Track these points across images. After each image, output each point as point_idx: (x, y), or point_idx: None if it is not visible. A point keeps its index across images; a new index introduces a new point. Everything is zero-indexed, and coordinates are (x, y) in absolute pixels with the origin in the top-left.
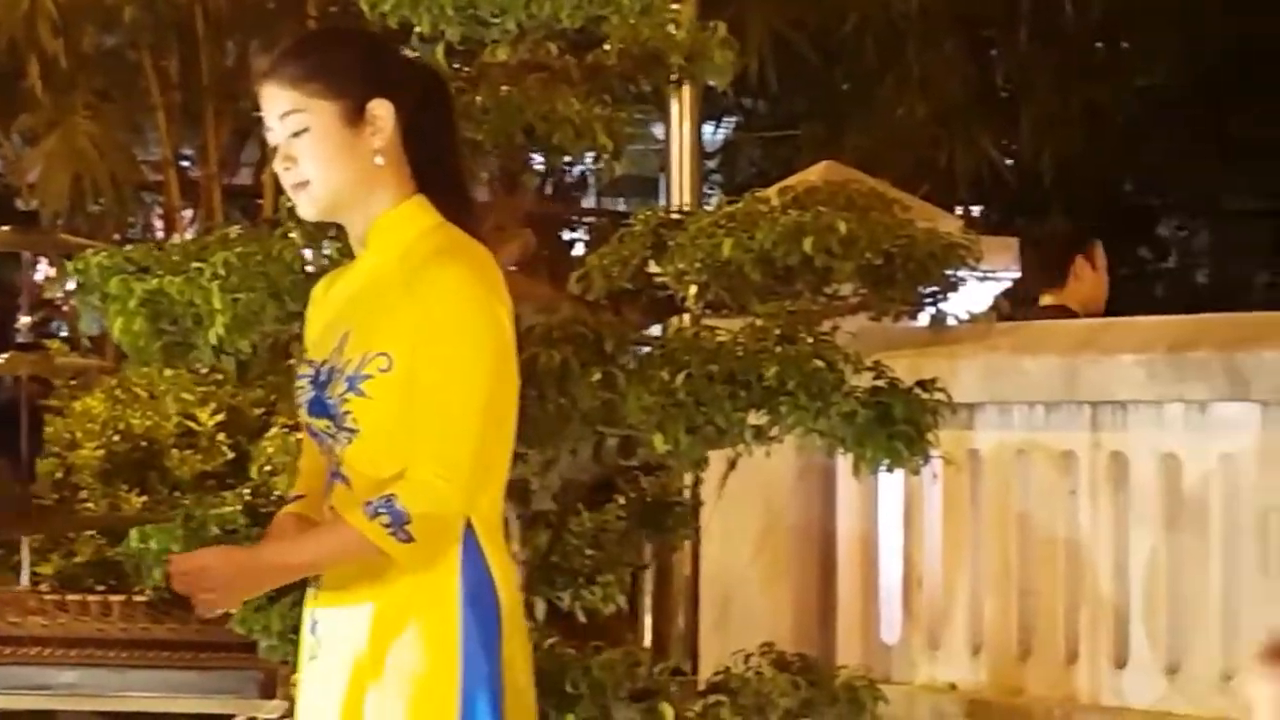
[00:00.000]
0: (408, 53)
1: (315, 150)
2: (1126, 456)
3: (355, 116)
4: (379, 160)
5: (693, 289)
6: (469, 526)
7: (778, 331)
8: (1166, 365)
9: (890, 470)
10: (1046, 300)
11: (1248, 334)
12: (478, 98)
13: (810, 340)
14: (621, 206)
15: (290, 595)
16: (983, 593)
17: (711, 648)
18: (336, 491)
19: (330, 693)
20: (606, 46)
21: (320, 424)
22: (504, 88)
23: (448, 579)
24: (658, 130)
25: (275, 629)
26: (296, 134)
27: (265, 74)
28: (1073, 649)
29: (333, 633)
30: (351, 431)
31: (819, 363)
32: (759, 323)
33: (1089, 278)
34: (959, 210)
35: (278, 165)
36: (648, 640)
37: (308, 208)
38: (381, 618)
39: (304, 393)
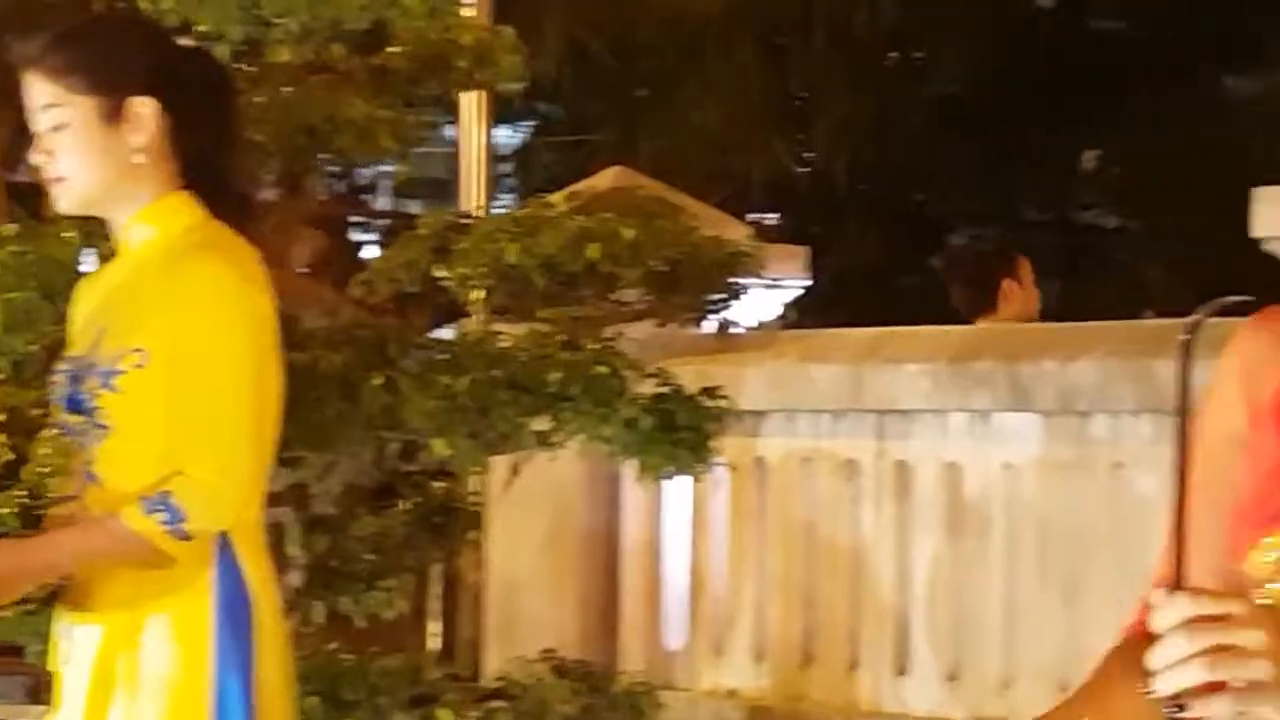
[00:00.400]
0: (187, 43)
1: (73, 146)
2: (910, 465)
3: (115, 114)
4: (139, 158)
5: (478, 294)
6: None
7: (562, 337)
8: (950, 375)
9: (673, 477)
10: (981, 324)
11: (1031, 344)
12: (259, 98)
13: (594, 346)
14: (417, 209)
15: None
16: (767, 600)
17: (497, 653)
18: (89, 491)
19: (80, 697)
20: (393, 49)
21: (74, 420)
22: (286, 88)
23: (200, 584)
24: (452, 133)
25: (46, 633)
26: (55, 128)
27: (29, 61)
28: (854, 656)
29: (85, 636)
30: (103, 428)
31: (602, 369)
32: (543, 328)
33: (1018, 296)
34: (753, 217)
35: (37, 158)
36: (436, 645)
37: (65, 203)
38: (132, 622)
39: (60, 388)
